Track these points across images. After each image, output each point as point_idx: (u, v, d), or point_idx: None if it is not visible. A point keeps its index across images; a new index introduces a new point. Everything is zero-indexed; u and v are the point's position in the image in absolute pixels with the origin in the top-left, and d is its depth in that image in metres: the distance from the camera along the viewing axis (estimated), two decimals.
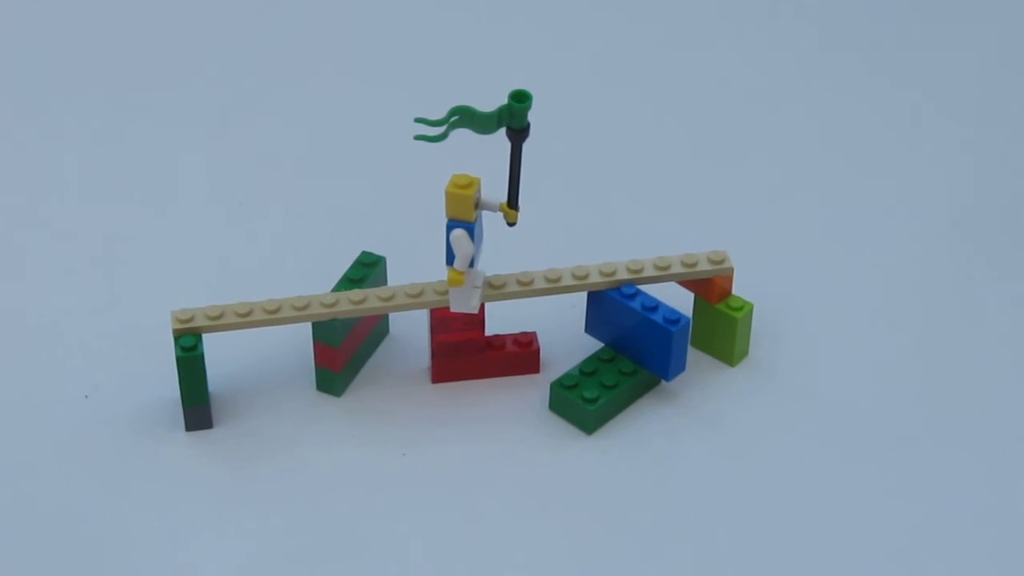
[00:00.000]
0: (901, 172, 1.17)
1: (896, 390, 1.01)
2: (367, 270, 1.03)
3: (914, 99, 1.24)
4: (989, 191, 1.15)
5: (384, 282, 1.04)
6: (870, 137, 1.20)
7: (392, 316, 1.05)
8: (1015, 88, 1.25)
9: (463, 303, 0.98)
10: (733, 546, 0.93)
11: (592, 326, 1.02)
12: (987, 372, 1.02)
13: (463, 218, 0.94)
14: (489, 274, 1.00)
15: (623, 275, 1.00)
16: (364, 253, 1.04)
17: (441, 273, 0.99)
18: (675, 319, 0.98)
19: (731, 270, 1.01)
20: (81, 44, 1.28)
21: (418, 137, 0.93)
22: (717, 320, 1.02)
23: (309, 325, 0.99)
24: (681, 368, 1.00)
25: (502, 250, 1.02)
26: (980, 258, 1.10)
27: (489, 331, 1.02)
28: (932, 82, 1.25)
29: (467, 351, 1.01)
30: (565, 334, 1.04)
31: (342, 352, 1.00)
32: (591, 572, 0.92)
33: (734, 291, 1.03)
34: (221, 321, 0.98)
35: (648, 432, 0.99)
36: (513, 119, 0.93)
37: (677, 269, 1.01)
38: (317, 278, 1.05)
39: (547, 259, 1.03)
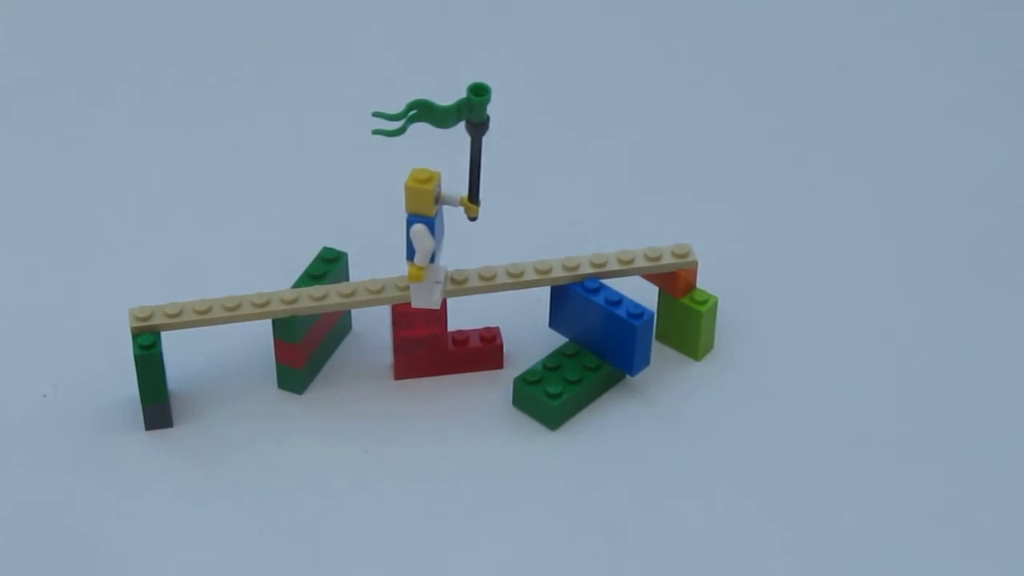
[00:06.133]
0: (868, 167, 1.17)
1: (861, 385, 1.01)
2: (328, 266, 1.02)
3: (885, 92, 1.23)
4: (958, 188, 1.15)
5: (346, 278, 1.03)
6: (837, 131, 1.20)
7: (355, 312, 1.04)
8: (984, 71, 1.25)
9: (424, 299, 0.97)
10: (699, 541, 0.92)
11: (556, 321, 1.01)
12: (951, 364, 1.02)
13: (423, 213, 0.94)
14: (451, 269, 0.99)
15: (586, 269, 1.00)
16: (325, 249, 1.03)
17: (403, 268, 0.98)
18: (639, 313, 0.97)
19: (695, 263, 1.01)
20: (42, 42, 1.27)
21: (376, 131, 0.92)
22: (682, 314, 1.01)
23: (270, 322, 0.98)
24: (646, 363, 1.00)
25: (464, 245, 1.01)
26: (950, 255, 1.09)
27: (452, 326, 1.01)
28: (907, 73, 1.25)
29: (429, 347, 1.00)
30: (529, 329, 1.03)
31: (303, 349, 0.99)
32: (555, 568, 0.91)
33: (699, 285, 1.02)
34: (180, 319, 0.97)
35: (612, 427, 0.98)
36: (472, 112, 0.92)
37: (641, 263, 1.00)
38: (278, 274, 1.04)
39: (509, 253, 1.02)
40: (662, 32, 1.29)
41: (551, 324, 1.02)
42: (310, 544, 0.92)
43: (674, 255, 1.00)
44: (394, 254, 1.00)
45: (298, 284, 1.01)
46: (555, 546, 0.92)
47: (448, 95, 0.93)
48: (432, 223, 0.94)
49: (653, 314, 0.98)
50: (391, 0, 1.31)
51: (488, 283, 0.99)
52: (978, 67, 1.25)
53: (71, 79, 1.24)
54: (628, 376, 1.00)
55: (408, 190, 0.93)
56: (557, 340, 1.02)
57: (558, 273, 0.99)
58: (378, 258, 1.03)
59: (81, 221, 1.12)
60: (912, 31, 1.29)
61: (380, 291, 0.98)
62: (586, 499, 0.95)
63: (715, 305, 1.01)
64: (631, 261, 1.00)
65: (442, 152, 0.96)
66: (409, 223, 0.94)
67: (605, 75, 1.25)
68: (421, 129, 0.93)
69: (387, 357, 1.02)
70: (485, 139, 0.94)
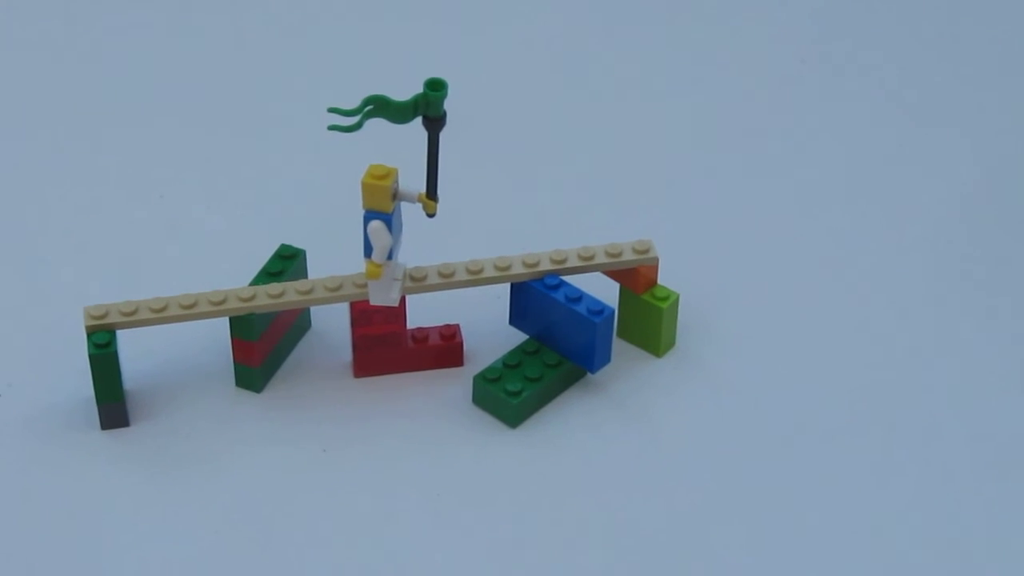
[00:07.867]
0: (826, 161, 1.17)
1: (821, 381, 1.00)
2: (286, 263, 1.01)
3: (847, 87, 1.23)
4: (921, 183, 1.15)
5: (304, 275, 1.03)
6: (799, 126, 1.19)
7: (314, 310, 1.03)
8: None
9: (382, 296, 0.96)
10: (658, 539, 0.92)
11: (516, 318, 1.01)
12: (914, 359, 1.02)
13: (380, 209, 0.93)
14: (410, 266, 0.98)
15: (546, 266, 0.99)
16: (283, 246, 1.02)
17: (362, 265, 0.97)
18: (599, 310, 0.97)
19: (656, 260, 1.00)
20: None
21: (332, 127, 0.91)
22: (643, 310, 1.01)
23: (227, 320, 0.98)
24: (606, 360, 0.99)
25: (423, 241, 1.00)
26: (913, 250, 1.09)
27: (412, 324, 1.00)
28: (872, 69, 1.25)
29: (389, 344, 0.99)
30: (489, 326, 1.02)
31: (261, 347, 0.98)
32: (514, 566, 0.91)
33: (660, 281, 1.01)
34: (136, 317, 0.96)
35: (573, 425, 0.98)
36: (429, 108, 0.91)
37: (601, 259, 1.00)
38: (235, 272, 1.03)
39: (469, 250, 1.02)
40: (623, 27, 1.28)
41: (511, 321, 1.01)
42: (267, 544, 0.91)
43: (635, 251, 1.00)
44: (352, 251, 0.99)
45: (255, 281, 1.00)
46: (515, 543, 0.92)
47: (405, 91, 0.92)
48: (390, 220, 0.93)
49: (613, 311, 0.98)
50: None
51: (447, 280, 0.98)
52: (945, 64, 1.25)
53: (26, 75, 1.23)
54: (589, 373, 1.00)
55: (365, 187, 0.92)
56: (517, 337, 1.01)
57: (518, 270, 0.99)
58: (336, 255, 1.02)
59: (35, 217, 1.11)
60: (878, 26, 1.29)
61: (338, 288, 0.98)
62: (547, 497, 0.94)
63: (676, 301, 1.01)
64: (591, 257, 0.99)
65: (400, 148, 0.95)
66: (366, 220, 0.93)
67: (566, 70, 1.24)
68: (378, 125, 0.92)
69: (346, 355, 1.01)
70: (442, 135, 0.93)
